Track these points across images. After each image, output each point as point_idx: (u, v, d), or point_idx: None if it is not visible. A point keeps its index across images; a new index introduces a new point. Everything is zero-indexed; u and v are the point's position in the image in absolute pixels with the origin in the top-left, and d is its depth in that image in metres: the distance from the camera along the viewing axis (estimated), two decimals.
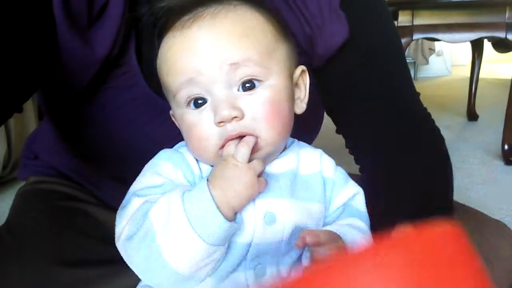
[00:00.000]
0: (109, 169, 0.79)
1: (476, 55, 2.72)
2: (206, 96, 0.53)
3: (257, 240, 0.53)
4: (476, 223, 0.82)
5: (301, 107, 0.61)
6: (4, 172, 1.95)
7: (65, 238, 0.70)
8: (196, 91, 0.53)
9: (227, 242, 0.50)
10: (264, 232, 0.53)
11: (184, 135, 0.57)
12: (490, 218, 0.85)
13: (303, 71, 0.61)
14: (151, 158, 0.58)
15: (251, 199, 0.51)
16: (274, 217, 0.54)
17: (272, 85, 0.54)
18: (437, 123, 0.78)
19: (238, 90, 0.53)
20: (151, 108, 0.69)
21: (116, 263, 0.59)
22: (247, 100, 0.53)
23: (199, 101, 0.54)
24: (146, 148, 0.62)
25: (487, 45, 2.59)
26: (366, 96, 0.69)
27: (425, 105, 0.79)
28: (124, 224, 0.51)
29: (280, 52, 0.57)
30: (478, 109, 2.80)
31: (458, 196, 1.57)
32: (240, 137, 0.52)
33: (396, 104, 0.73)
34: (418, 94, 0.79)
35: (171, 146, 0.60)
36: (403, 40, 1.95)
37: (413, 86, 0.79)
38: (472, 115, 2.79)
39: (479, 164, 2.04)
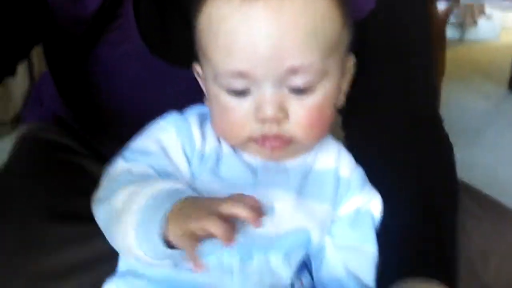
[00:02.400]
0: (109, 127, 0.79)
1: None
2: (252, 88, 0.50)
3: (251, 228, 0.51)
4: (490, 213, 0.76)
5: (341, 100, 0.59)
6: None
7: (58, 192, 0.69)
8: (243, 85, 0.50)
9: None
10: None
11: (214, 111, 0.55)
12: (508, 209, 0.79)
13: (353, 62, 0.58)
14: (148, 119, 0.57)
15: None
16: (273, 209, 0.54)
17: (325, 89, 0.51)
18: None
19: (288, 91, 0.50)
20: (146, 67, 0.68)
21: None
22: (295, 103, 0.50)
23: (241, 92, 0.51)
24: (144, 108, 0.62)
25: None
26: (375, 91, 0.66)
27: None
28: (103, 183, 0.53)
29: (343, 45, 0.53)
30: None
31: (485, 174, 1.53)
32: (276, 137, 0.51)
33: (404, 107, 0.69)
34: (434, 96, 0.75)
35: (168, 107, 0.58)
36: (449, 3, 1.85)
37: (430, 88, 0.75)
38: None
39: (511, 142, 1.97)
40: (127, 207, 0.47)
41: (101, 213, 0.51)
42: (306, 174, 0.57)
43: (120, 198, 0.49)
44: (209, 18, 0.51)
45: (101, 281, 0.59)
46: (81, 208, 0.66)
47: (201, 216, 0.42)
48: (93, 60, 0.68)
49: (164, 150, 0.54)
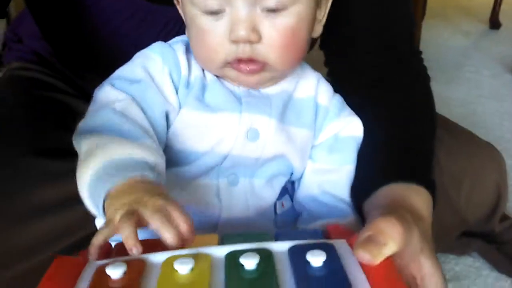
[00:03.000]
0: (93, 64, 0.79)
1: None
2: (226, 7, 0.50)
3: (235, 152, 0.55)
4: (464, 144, 0.83)
5: (318, 30, 0.59)
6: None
7: (42, 129, 0.70)
8: (217, 3, 0.50)
9: None
10: (243, 146, 0.55)
11: (191, 36, 0.55)
12: (480, 140, 0.84)
13: None
14: (131, 56, 0.57)
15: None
16: (257, 134, 0.56)
17: (297, 12, 0.52)
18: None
19: (261, 10, 0.50)
20: (129, 5, 0.68)
21: None
22: (268, 24, 0.51)
23: (215, 11, 0.51)
24: (127, 46, 0.61)
25: None
26: (355, 27, 0.67)
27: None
28: (89, 110, 0.53)
29: None
30: (503, 17, 2.67)
31: (462, 108, 1.58)
32: (250, 60, 0.52)
33: (384, 42, 0.70)
34: (412, 30, 0.76)
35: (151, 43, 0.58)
36: None
37: (409, 22, 0.75)
38: (494, 23, 2.67)
39: (489, 77, 2.00)
40: (86, 164, 0.46)
41: (78, 146, 0.50)
42: (287, 102, 0.58)
43: (85, 147, 0.48)
44: None
45: (87, 218, 0.59)
46: (68, 144, 0.68)
47: (123, 216, 0.40)
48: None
49: (151, 77, 0.54)
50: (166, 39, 0.59)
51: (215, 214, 0.56)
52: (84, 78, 0.81)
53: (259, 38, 0.51)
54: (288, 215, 0.61)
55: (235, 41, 0.51)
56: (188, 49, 0.57)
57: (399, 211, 0.48)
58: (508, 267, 0.93)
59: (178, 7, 0.59)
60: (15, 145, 0.66)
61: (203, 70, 0.56)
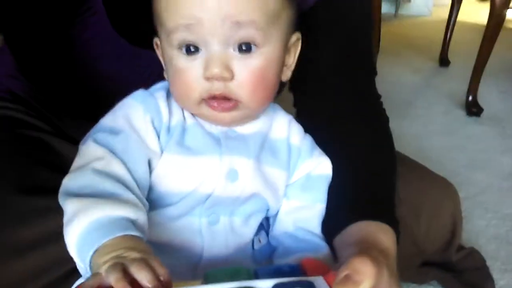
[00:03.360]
0: (72, 105, 0.80)
1: None
2: (201, 47, 0.54)
3: (217, 193, 0.58)
4: (421, 179, 0.88)
5: (287, 74, 0.63)
6: None
7: (21, 166, 0.70)
8: (192, 38, 0.54)
9: None
10: (225, 187, 0.58)
11: (169, 76, 0.58)
12: (436, 175, 0.90)
13: (297, 38, 0.62)
14: (113, 99, 0.59)
15: None
16: (236, 175, 0.58)
17: (267, 53, 0.56)
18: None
19: (234, 50, 0.54)
20: (115, 48, 0.70)
21: None
22: (240, 63, 0.54)
23: (192, 49, 0.54)
24: (111, 88, 0.63)
25: None
26: (322, 69, 0.71)
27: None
28: (72, 169, 0.54)
29: (284, 18, 0.57)
30: (452, 55, 2.82)
31: (415, 144, 1.66)
32: (223, 98, 0.55)
33: (349, 85, 0.75)
34: (375, 75, 0.81)
35: (132, 87, 0.61)
36: None
37: (372, 66, 0.82)
38: (444, 61, 2.82)
39: (441, 113, 2.10)
40: (71, 226, 0.48)
41: (63, 207, 0.51)
42: (262, 143, 0.61)
43: (69, 209, 0.49)
44: None
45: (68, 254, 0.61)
46: (48, 182, 0.66)
47: (109, 267, 0.43)
48: (63, 40, 0.69)
49: (132, 127, 0.56)
50: (149, 80, 0.62)
51: (197, 252, 0.58)
52: (61, 120, 0.82)
53: (232, 76, 0.54)
54: (265, 250, 0.64)
55: (209, 78, 0.54)
56: (168, 95, 0.59)
57: (370, 250, 0.53)
58: None
59: (158, 52, 0.61)
60: None
61: (183, 115, 0.59)
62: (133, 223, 0.48)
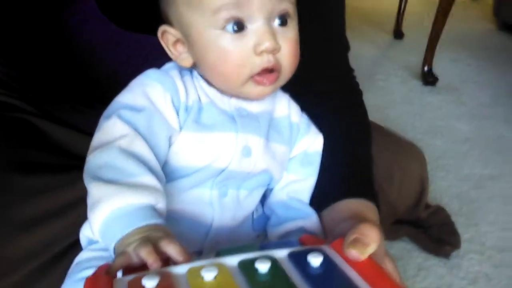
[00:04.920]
0: (60, 88, 0.80)
1: None
2: (247, 23, 0.55)
3: (231, 168, 0.60)
4: (392, 144, 0.96)
5: None
6: None
7: (9, 147, 0.71)
8: (240, 15, 0.55)
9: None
10: (239, 162, 0.61)
11: (210, 58, 0.58)
12: (404, 141, 0.98)
13: None
14: (105, 82, 0.62)
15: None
16: (250, 151, 0.61)
17: (295, 25, 0.60)
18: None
19: (275, 24, 0.57)
20: (104, 32, 0.71)
21: (71, 171, 0.63)
22: (281, 36, 0.57)
23: (238, 26, 0.55)
24: (103, 72, 0.66)
25: None
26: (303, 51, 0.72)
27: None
28: (96, 144, 0.54)
29: None
30: (405, 27, 2.91)
31: (378, 114, 1.73)
32: (269, 70, 0.57)
33: (326, 64, 0.80)
34: (347, 52, 0.86)
35: (121, 69, 0.63)
36: None
37: (346, 44, 0.86)
38: (398, 33, 2.90)
39: (399, 83, 2.20)
40: (95, 212, 0.49)
41: (87, 187, 0.52)
42: (269, 121, 0.65)
43: (93, 193, 0.50)
44: None
45: (70, 228, 0.63)
46: (43, 161, 0.70)
47: (138, 244, 0.45)
48: (51, 25, 0.70)
49: (153, 104, 0.57)
50: (138, 62, 0.64)
51: (207, 222, 0.61)
52: (50, 101, 0.82)
53: (279, 48, 0.57)
54: (262, 220, 0.69)
55: (262, 52, 0.56)
56: (182, 74, 0.61)
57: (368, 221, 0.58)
58: (435, 247, 1.06)
59: (163, 41, 0.61)
60: None
61: (197, 93, 0.60)
62: (154, 208, 0.50)
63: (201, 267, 0.43)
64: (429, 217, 1.09)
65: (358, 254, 0.47)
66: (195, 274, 0.42)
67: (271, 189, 0.70)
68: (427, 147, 1.51)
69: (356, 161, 0.74)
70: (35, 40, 0.74)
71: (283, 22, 0.58)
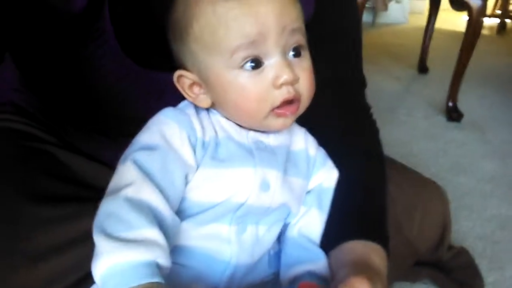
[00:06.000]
0: (79, 119, 0.81)
1: (433, 5, 2.75)
2: (264, 59, 0.57)
3: (250, 202, 0.60)
4: (413, 183, 0.93)
5: None
6: None
7: (28, 177, 0.71)
8: (256, 53, 0.56)
9: None
10: (258, 196, 0.61)
11: (231, 97, 0.59)
12: (426, 179, 0.95)
13: None
14: (119, 115, 0.63)
15: None
16: (268, 186, 0.62)
17: (308, 56, 0.61)
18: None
19: (290, 56, 0.59)
20: (122, 67, 0.72)
21: (86, 202, 0.63)
22: (297, 66, 0.59)
23: (256, 63, 0.57)
24: (119, 106, 0.69)
25: None
26: (318, 85, 0.71)
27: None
28: (109, 189, 0.54)
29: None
30: (430, 62, 2.91)
31: (401, 149, 1.71)
32: (289, 101, 0.58)
33: (343, 95, 0.80)
34: (365, 86, 0.86)
35: (138, 105, 0.64)
36: None
37: (362, 79, 0.86)
38: (422, 68, 2.90)
39: (423, 119, 2.17)
40: (96, 263, 0.50)
41: (94, 238, 0.52)
42: (287, 154, 0.65)
43: (97, 243, 0.51)
44: (214, 13, 0.56)
45: (84, 259, 0.60)
46: (57, 191, 0.71)
47: None
48: (71, 58, 0.71)
49: (169, 143, 0.57)
50: (157, 99, 0.65)
51: (225, 259, 0.61)
52: (68, 132, 0.83)
53: (298, 78, 0.59)
54: (278, 257, 0.68)
55: (281, 85, 0.57)
56: (198, 111, 0.61)
57: (366, 271, 0.58)
58: None
59: (178, 85, 0.62)
60: (6, 193, 0.68)
61: (214, 129, 0.61)
62: (152, 265, 0.50)
63: None
64: (451, 259, 1.05)
65: None
66: None
67: (287, 224, 0.69)
68: (450, 185, 1.49)
69: (368, 202, 0.73)
70: (56, 70, 0.75)
71: (297, 53, 0.59)
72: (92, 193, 0.60)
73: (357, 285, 0.50)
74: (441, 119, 2.16)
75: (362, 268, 0.59)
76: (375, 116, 0.85)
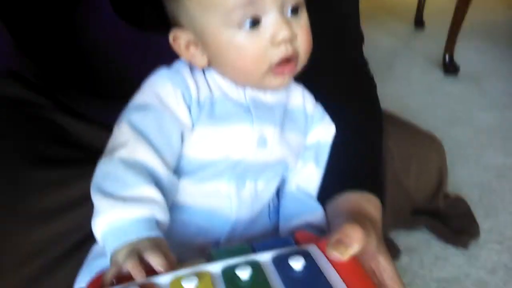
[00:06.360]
0: (78, 81, 0.82)
1: None
2: (261, 18, 0.56)
3: (247, 159, 0.62)
4: (410, 135, 0.96)
5: None
6: None
7: (27, 141, 0.73)
8: (254, 12, 0.55)
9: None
10: (255, 153, 0.62)
11: (229, 57, 0.58)
12: (423, 131, 0.98)
13: None
14: (118, 76, 0.64)
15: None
16: (265, 142, 0.62)
17: (306, 14, 0.60)
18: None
19: (288, 14, 0.58)
20: (117, 30, 0.72)
21: (84, 164, 0.64)
22: (295, 24, 0.58)
23: (254, 22, 0.56)
24: (115, 67, 0.69)
25: None
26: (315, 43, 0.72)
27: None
28: (107, 149, 0.56)
29: None
30: (427, 16, 2.89)
31: (398, 104, 1.73)
32: (287, 60, 0.58)
33: (340, 52, 0.80)
34: (362, 43, 0.86)
35: (138, 66, 0.63)
36: None
37: (359, 35, 0.86)
38: (419, 23, 2.88)
39: (420, 73, 2.18)
40: (96, 221, 0.51)
41: (92, 198, 0.54)
42: (284, 111, 0.66)
43: (96, 204, 0.52)
44: None
45: (85, 220, 0.62)
46: (56, 154, 0.72)
47: (127, 256, 0.48)
48: (65, 21, 0.71)
49: (163, 103, 0.58)
50: (154, 60, 0.63)
51: (225, 215, 0.62)
52: (68, 95, 0.83)
53: (296, 36, 0.58)
54: (276, 211, 0.70)
55: (280, 43, 0.56)
56: (192, 70, 0.61)
57: (359, 219, 0.60)
58: (452, 237, 1.06)
59: (174, 45, 0.61)
60: (11, 156, 0.70)
61: (209, 88, 0.61)
62: (149, 220, 0.52)
63: (182, 277, 0.45)
64: (448, 207, 1.08)
65: (339, 255, 0.49)
66: (177, 284, 0.44)
67: (285, 179, 0.70)
68: (447, 137, 1.49)
69: (364, 154, 0.75)
70: (50, 33, 0.75)
71: (295, 11, 0.58)
72: (90, 155, 0.61)
73: (349, 231, 0.51)
74: (438, 73, 2.16)
75: (356, 217, 0.61)
76: (372, 72, 0.86)
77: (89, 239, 0.57)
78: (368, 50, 0.88)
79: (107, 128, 0.59)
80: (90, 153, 0.64)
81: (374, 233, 0.59)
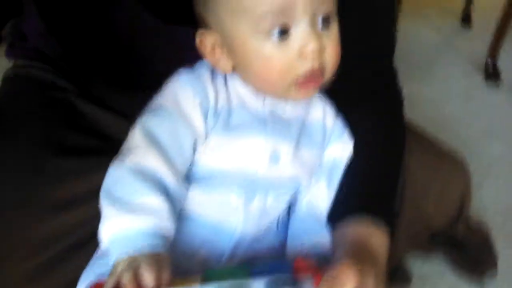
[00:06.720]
0: (103, 70, 0.81)
1: None
2: (291, 28, 0.55)
3: (259, 174, 0.61)
4: (434, 156, 0.91)
5: None
6: None
7: (49, 129, 0.74)
8: (284, 21, 0.54)
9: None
10: (267, 168, 0.61)
11: (254, 68, 0.58)
12: (447, 153, 0.94)
13: None
14: (141, 67, 0.65)
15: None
16: (278, 158, 0.62)
17: (336, 26, 0.59)
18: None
19: (318, 26, 0.56)
20: (142, 23, 0.72)
21: (101, 155, 0.64)
22: (325, 37, 0.57)
23: (283, 32, 0.55)
24: (139, 58, 0.69)
25: None
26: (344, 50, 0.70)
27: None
28: (121, 151, 0.57)
29: None
30: (476, 13, 2.75)
31: (434, 109, 1.66)
32: (313, 74, 0.57)
33: (368, 60, 0.76)
34: (394, 48, 0.82)
35: (160, 59, 0.65)
36: None
37: (392, 39, 0.82)
38: (466, 20, 2.76)
39: (460, 77, 2.10)
40: (102, 227, 0.53)
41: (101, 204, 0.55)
42: (302, 126, 0.65)
43: (103, 210, 0.54)
44: None
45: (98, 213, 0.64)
46: (77, 142, 0.74)
47: (124, 269, 0.49)
48: (93, 9, 0.71)
49: (180, 109, 0.58)
50: (178, 54, 0.63)
51: (232, 228, 0.62)
52: (92, 82, 0.84)
53: (325, 49, 0.57)
54: (285, 228, 0.69)
55: (308, 55, 0.55)
56: (213, 76, 0.61)
57: (361, 256, 0.59)
58: (467, 268, 1.03)
59: (201, 47, 0.61)
60: (32, 144, 0.71)
61: (228, 96, 0.61)
62: (152, 232, 0.52)
63: None
64: (467, 234, 1.04)
65: None
66: None
67: (297, 196, 0.69)
68: (480, 151, 1.46)
69: (380, 175, 0.72)
70: (77, 20, 0.75)
71: (326, 23, 0.57)
72: (108, 145, 0.64)
73: (346, 270, 0.51)
74: (479, 78, 2.08)
75: (358, 253, 0.60)
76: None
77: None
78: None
79: (128, 118, 0.60)
80: (108, 143, 0.66)
81: (372, 273, 0.57)
